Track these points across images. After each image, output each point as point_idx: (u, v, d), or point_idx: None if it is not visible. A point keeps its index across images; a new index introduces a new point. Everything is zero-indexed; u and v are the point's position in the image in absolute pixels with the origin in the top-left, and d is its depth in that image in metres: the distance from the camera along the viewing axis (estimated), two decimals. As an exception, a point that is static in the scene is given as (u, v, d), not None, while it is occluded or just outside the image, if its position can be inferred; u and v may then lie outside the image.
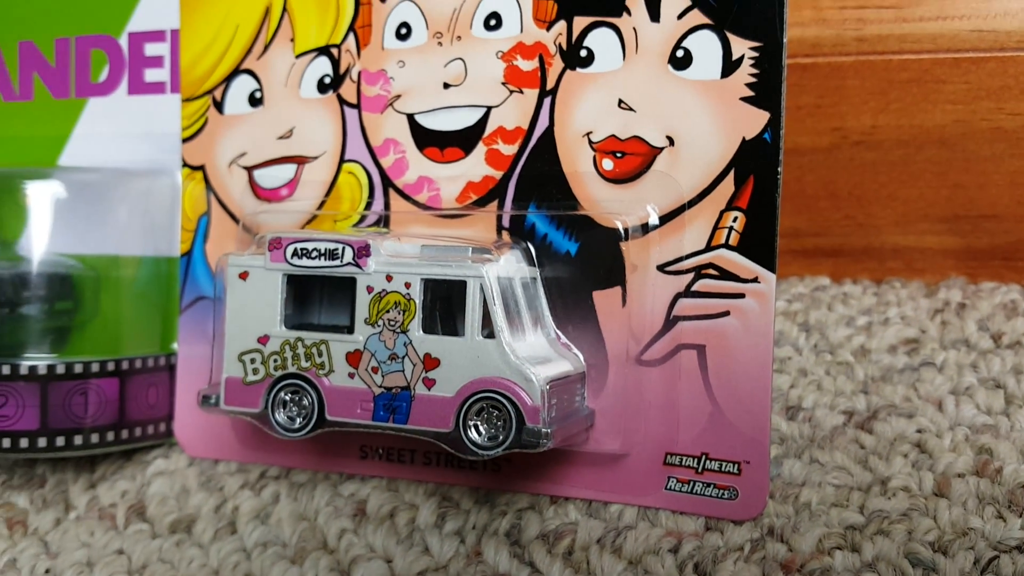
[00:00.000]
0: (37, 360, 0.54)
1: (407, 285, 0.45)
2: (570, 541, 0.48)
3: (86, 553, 0.53)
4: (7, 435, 0.52)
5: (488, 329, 0.45)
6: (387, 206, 0.54)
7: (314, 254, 0.47)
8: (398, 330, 0.45)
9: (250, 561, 0.50)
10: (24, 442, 0.53)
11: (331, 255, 0.47)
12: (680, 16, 0.49)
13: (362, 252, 0.46)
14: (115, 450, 0.57)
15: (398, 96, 0.54)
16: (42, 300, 0.56)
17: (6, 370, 0.52)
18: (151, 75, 0.61)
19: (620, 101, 0.49)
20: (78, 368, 0.54)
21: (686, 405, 0.48)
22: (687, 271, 0.48)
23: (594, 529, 0.48)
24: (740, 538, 0.46)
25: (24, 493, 0.58)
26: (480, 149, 0.52)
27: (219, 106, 0.58)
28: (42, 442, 0.53)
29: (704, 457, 0.48)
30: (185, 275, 0.59)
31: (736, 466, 0.47)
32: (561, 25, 0.51)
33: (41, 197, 0.56)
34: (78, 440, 0.54)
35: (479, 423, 0.44)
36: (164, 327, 0.60)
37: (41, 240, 0.56)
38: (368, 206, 0.54)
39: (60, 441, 0.53)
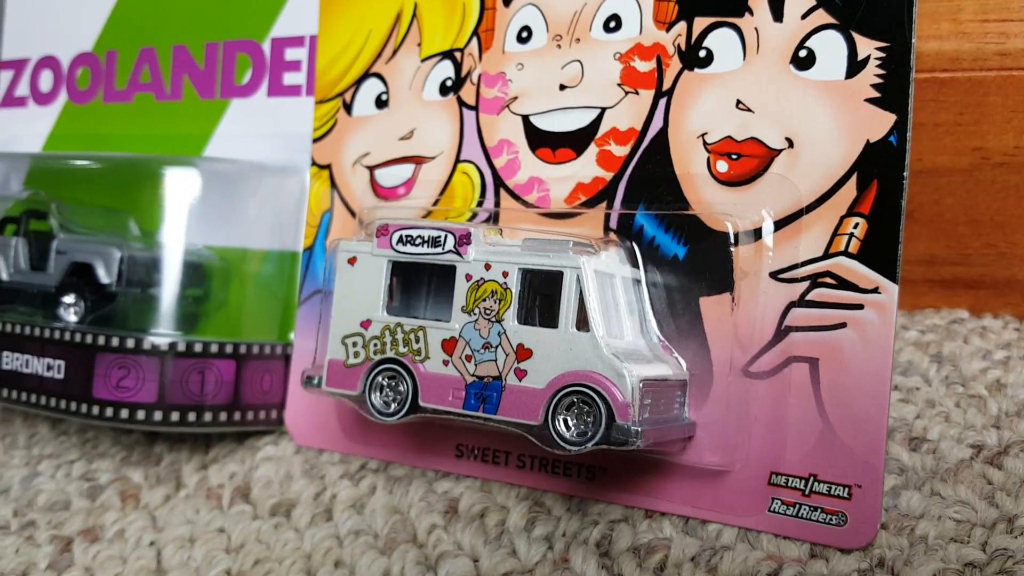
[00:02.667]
0: (160, 337, 0.56)
1: (504, 274, 0.45)
2: (662, 557, 0.46)
3: (189, 529, 0.54)
4: (126, 406, 0.55)
5: (583, 322, 0.44)
6: (497, 205, 0.54)
7: (418, 241, 0.48)
8: (493, 319, 0.45)
9: (341, 548, 0.51)
10: (141, 414, 0.55)
11: (434, 242, 0.47)
12: (804, 16, 0.47)
13: (463, 240, 0.46)
14: (227, 431, 0.59)
15: (515, 98, 0.54)
16: (173, 284, 0.58)
17: (130, 343, 0.55)
18: (289, 78, 0.64)
19: (738, 102, 0.48)
20: (197, 347, 0.56)
21: (795, 421, 0.45)
22: (802, 279, 0.46)
23: (689, 547, 0.46)
24: (846, 567, 0.43)
25: (140, 469, 0.60)
26: (592, 150, 0.52)
27: (348, 108, 0.60)
28: (158, 416, 0.55)
29: (812, 479, 0.45)
30: (306, 269, 0.61)
31: (847, 490, 0.44)
32: (681, 26, 0.50)
33: (179, 184, 0.59)
34: (191, 417, 0.56)
35: (568, 417, 0.43)
36: (283, 318, 0.61)
37: (176, 227, 0.59)
38: (479, 205, 0.55)
39: (175, 416, 0.55)
